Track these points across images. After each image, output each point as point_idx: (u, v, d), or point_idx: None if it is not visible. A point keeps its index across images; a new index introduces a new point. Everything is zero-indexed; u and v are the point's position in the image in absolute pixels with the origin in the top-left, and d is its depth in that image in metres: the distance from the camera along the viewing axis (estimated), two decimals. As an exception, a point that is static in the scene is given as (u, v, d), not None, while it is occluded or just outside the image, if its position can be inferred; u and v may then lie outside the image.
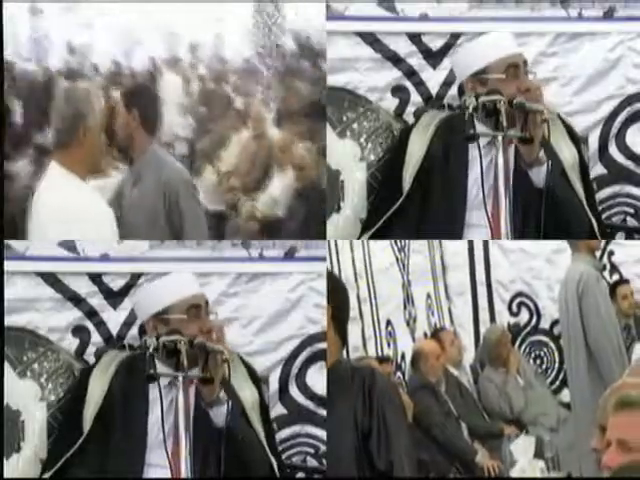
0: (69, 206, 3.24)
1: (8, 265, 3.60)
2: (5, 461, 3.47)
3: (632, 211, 4.20)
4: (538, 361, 5.12)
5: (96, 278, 3.71)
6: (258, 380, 3.61)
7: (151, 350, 3.19)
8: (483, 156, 3.38)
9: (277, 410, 3.79)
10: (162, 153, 3.90)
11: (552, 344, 5.03)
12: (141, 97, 3.91)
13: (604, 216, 3.98)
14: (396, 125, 3.93)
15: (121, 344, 3.69)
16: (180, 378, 3.14)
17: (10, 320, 3.60)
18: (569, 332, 4.23)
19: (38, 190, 3.34)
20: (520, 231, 3.45)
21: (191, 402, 3.27)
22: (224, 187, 7.28)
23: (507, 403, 4.91)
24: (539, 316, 5.10)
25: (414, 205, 3.59)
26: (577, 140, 3.70)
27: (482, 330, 5.17)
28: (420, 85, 3.98)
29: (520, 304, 5.22)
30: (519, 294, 5.22)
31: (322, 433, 3.88)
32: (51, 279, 3.68)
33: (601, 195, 4.03)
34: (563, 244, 4.40)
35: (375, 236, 3.71)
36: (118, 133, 3.78)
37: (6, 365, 3.55)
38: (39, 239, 3.38)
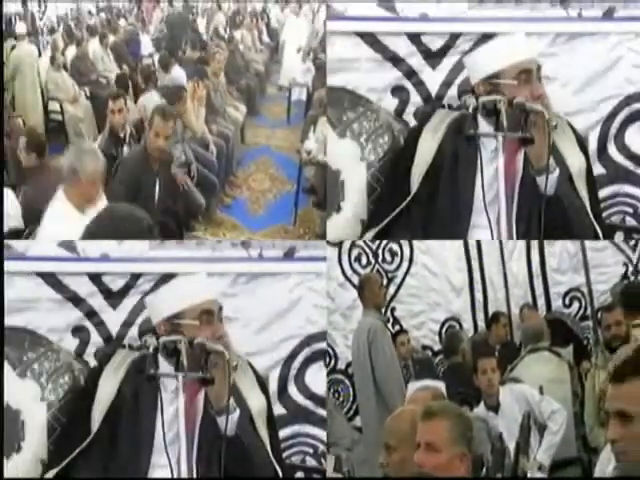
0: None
1: (8, 265, 3.61)
2: (5, 461, 3.48)
3: (631, 211, 4.21)
4: (336, 395, 5.91)
5: (96, 278, 3.72)
6: (266, 387, 3.59)
7: (151, 350, 3.20)
8: (492, 159, 3.37)
9: (276, 410, 3.78)
10: None
11: (347, 381, 5.86)
12: None
13: (603, 215, 3.98)
14: (396, 125, 3.93)
15: (138, 344, 3.65)
16: (180, 378, 3.14)
17: (10, 320, 3.60)
18: (360, 371, 5.12)
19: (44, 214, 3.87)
20: (523, 234, 3.45)
21: (199, 408, 3.26)
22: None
23: (313, 429, 5.63)
24: (337, 359, 5.88)
25: (421, 204, 3.54)
26: (585, 148, 3.68)
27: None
28: (420, 85, 3.97)
29: (322, 350, 6.16)
30: (320, 342, 6.15)
31: (321, 433, 3.90)
32: (51, 279, 3.68)
33: (600, 195, 4.01)
34: (357, 302, 5.37)
35: (379, 235, 3.68)
36: None
37: (6, 365, 3.56)
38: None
